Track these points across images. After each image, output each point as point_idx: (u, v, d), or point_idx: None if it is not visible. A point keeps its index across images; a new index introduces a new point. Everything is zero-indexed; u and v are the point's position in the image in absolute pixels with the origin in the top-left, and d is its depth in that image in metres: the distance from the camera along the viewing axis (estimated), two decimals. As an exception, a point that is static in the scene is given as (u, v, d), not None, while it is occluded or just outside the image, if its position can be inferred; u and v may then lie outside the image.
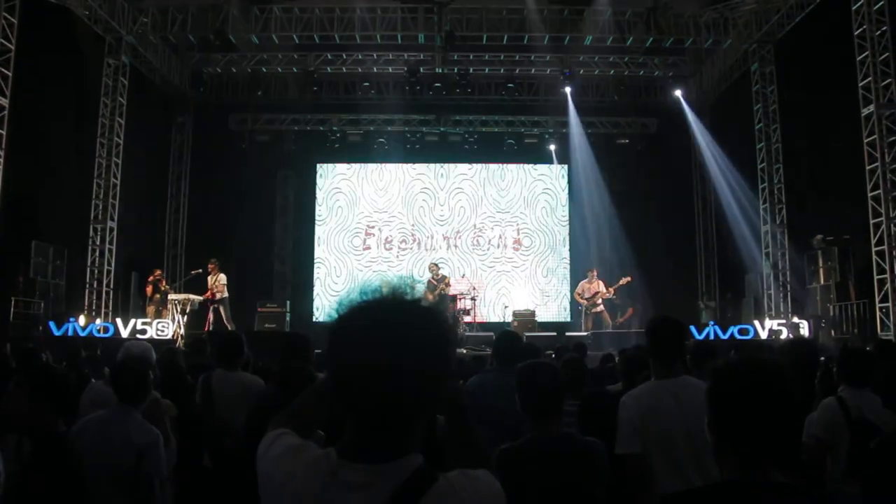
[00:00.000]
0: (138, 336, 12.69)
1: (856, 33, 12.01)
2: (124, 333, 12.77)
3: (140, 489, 3.68)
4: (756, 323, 13.68)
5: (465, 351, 12.47)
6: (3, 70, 11.66)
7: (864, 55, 11.89)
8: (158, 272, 15.39)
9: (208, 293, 14.57)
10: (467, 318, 15.79)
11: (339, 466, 1.45)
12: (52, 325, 12.61)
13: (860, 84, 11.97)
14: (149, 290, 14.96)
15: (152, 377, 4.10)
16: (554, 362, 3.76)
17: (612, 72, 18.04)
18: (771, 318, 14.75)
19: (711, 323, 14.09)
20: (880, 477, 3.17)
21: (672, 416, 3.27)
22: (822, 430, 4.00)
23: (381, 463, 1.43)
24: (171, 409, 4.56)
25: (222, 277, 14.69)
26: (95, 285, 15.31)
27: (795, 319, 13.65)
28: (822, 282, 14.17)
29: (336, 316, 1.50)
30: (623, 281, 15.07)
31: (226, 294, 14.72)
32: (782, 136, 15.86)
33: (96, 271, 15.35)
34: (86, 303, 15.03)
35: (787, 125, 15.74)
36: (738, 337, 12.90)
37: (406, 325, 1.43)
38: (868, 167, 11.90)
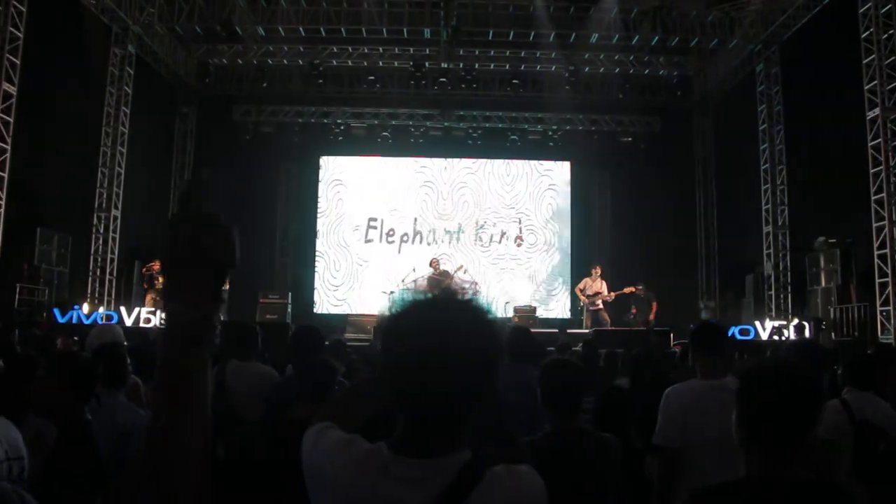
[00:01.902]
0: (143, 325, 12.75)
1: (862, 36, 12.03)
2: (128, 322, 12.81)
3: (126, 468, 3.71)
4: (757, 323, 13.72)
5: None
6: (11, 58, 11.67)
7: (870, 58, 11.91)
8: (157, 264, 15.12)
9: None
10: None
11: (392, 461, 1.48)
12: (56, 312, 12.65)
13: (866, 87, 11.99)
14: (145, 283, 14.89)
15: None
16: (577, 360, 3.82)
17: (617, 70, 18.05)
18: (771, 318, 14.80)
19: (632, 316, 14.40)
20: (890, 480, 3.22)
21: (712, 415, 3.34)
22: (826, 431, 4.05)
23: (432, 458, 1.47)
24: None
25: None
26: (99, 273, 15.37)
27: (796, 321, 13.69)
28: (823, 284, 14.22)
29: (390, 313, 1.54)
30: (627, 290, 15.06)
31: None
32: (786, 138, 15.90)
33: (100, 259, 15.42)
34: (89, 290, 15.09)
35: (791, 127, 15.78)
36: (739, 337, 12.95)
37: (459, 322, 1.48)
38: (872, 170, 11.92)
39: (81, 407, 3.30)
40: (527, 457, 1.85)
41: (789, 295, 15.76)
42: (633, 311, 15.45)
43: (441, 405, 1.46)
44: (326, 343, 6.24)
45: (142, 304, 14.15)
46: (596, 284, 15.27)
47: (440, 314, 1.50)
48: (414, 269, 17.17)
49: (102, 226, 15.45)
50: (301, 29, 16.18)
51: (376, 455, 1.51)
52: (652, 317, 15.01)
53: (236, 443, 4.45)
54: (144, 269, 15.05)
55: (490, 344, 1.50)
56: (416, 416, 1.50)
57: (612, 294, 15.13)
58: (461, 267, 16.21)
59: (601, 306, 15.11)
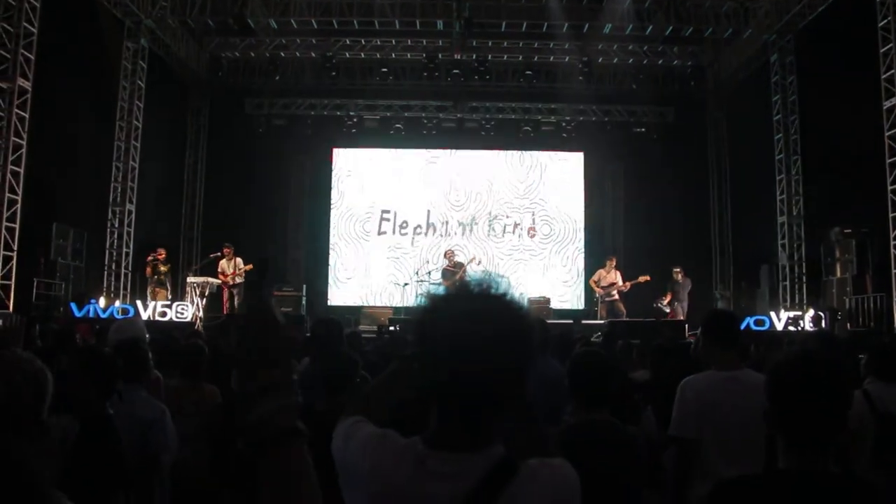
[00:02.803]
0: (158, 319, 12.82)
1: (879, 25, 11.91)
2: (144, 315, 12.88)
3: (145, 460, 3.75)
4: (772, 314, 13.67)
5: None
6: (25, 53, 11.72)
7: (887, 47, 11.80)
8: (162, 252, 14.93)
9: (228, 275, 14.57)
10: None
11: (427, 455, 1.49)
12: (73, 306, 12.74)
13: (883, 76, 11.89)
14: (148, 270, 14.72)
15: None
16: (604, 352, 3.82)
17: (630, 60, 17.99)
18: (786, 309, 14.73)
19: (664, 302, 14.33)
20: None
21: (730, 406, 3.33)
22: (850, 422, 4.01)
23: (468, 452, 1.48)
24: (216, 395, 4.62)
25: (241, 262, 14.69)
26: (114, 267, 15.47)
27: (812, 311, 13.61)
28: (838, 274, 14.15)
29: (424, 307, 1.55)
30: (641, 279, 15.02)
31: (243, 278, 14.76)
32: (801, 128, 15.79)
33: (115, 253, 15.51)
34: (105, 284, 15.18)
35: (806, 116, 15.66)
36: (754, 328, 12.89)
37: (494, 316, 1.48)
38: (888, 160, 11.83)
39: (103, 402, 3.32)
40: (556, 450, 1.85)
41: (804, 285, 15.66)
42: (668, 297, 15.37)
43: (476, 397, 1.47)
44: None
45: (153, 298, 14.17)
46: (610, 276, 15.25)
47: (476, 306, 1.50)
48: (427, 262, 17.19)
49: (117, 220, 15.53)
50: (313, 21, 16.20)
51: (412, 449, 1.52)
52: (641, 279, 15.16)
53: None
54: (149, 257, 14.78)
55: (524, 336, 1.51)
56: (451, 409, 1.50)
57: (628, 284, 15.09)
58: (474, 258, 16.20)
59: (617, 297, 15.08)
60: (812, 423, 1.85)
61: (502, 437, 1.53)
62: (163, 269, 14.69)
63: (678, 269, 15.38)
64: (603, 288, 15.19)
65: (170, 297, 14.70)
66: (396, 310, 16.37)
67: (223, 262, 14.73)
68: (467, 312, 1.49)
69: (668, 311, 15.29)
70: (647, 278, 15.04)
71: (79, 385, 3.28)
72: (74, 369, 3.43)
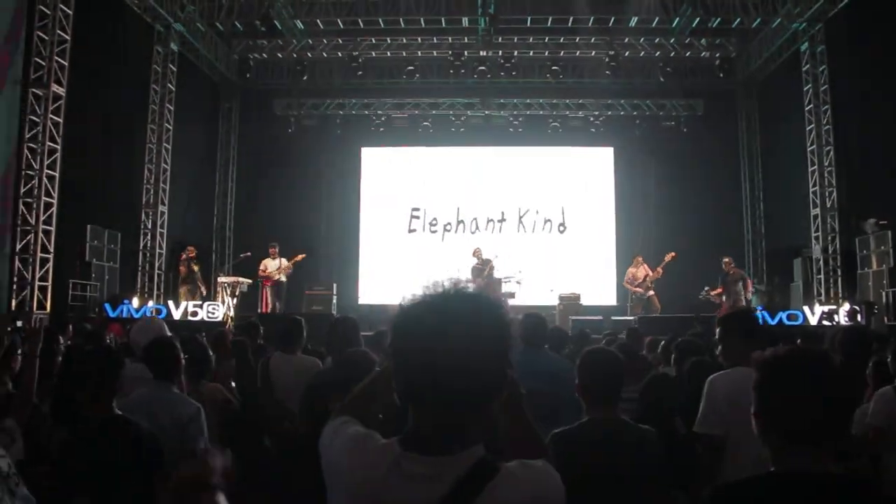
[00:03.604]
0: (190, 318, 12.99)
1: (912, 12, 11.71)
2: (176, 315, 13.07)
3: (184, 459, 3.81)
4: (805, 308, 13.47)
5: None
6: (59, 60, 11.93)
7: (920, 34, 11.58)
8: (192, 250, 15.02)
9: (270, 272, 14.78)
10: (513, 302, 15.85)
11: (403, 457, 1.48)
12: (107, 306, 12.95)
13: (916, 64, 11.68)
14: (182, 269, 14.83)
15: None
16: (615, 350, 3.81)
17: (657, 53, 17.85)
18: (821, 303, 14.51)
19: (760, 308, 13.80)
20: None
21: None
22: (880, 419, 3.95)
23: (443, 454, 1.47)
24: (217, 392, 4.67)
25: (284, 261, 14.92)
26: (147, 268, 15.71)
27: (847, 305, 13.36)
28: (874, 267, 13.89)
29: (398, 310, 1.55)
30: (668, 257, 14.77)
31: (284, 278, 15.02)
32: (833, 118, 15.52)
33: (148, 254, 15.75)
34: (138, 285, 15.42)
35: (838, 106, 15.38)
36: (787, 323, 12.71)
37: (467, 316, 1.48)
38: (923, 149, 11.62)
39: (109, 402, 3.35)
40: (547, 451, 1.84)
41: (839, 278, 15.38)
42: (720, 289, 14.16)
43: (450, 398, 1.45)
44: (371, 333, 6.30)
45: (188, 298, 14.36)
46: (640, 271, 15.13)
47: (447, 307, 1.50)
48: (458, 271, 17.15)
49: (150, 221, 15.78)
50: (339, 21, 16.28)
51: (389, 451, 1.51)
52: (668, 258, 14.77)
53: (282, 434, 4.54)
54: (182, 256, 14.89)
55: (497, 335, 1.50)
56: (425, 411, 1.50)
57: (659, 270, 14.87)
58: (497, 256, 16.14)
59: (653, 293, 14.93)
60: (806, 423, 1.79)
61: (484, 439, 1.52)
62: (195, 267, 14.84)
63: (727, 259, 14.29)
64: (639, 285, 15.04)
65: (204, 293, 14.85)
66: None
67: (267, 261, 14.94)
68: (436, 314, 1.49)
69: (718, 302, 14.19)
70: (673, 255, 14.79)
71: (95, 391, 3.33)
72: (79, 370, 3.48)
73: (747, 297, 14.14)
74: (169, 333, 4.84)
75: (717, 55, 18.00)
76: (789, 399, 1.82)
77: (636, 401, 4.53)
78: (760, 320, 12.20)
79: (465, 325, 1.46)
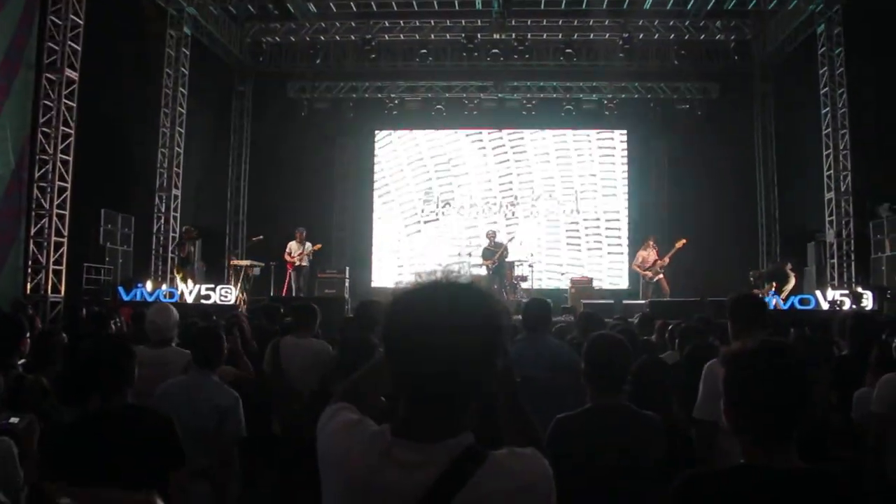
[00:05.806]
0: (202, 301, 13.08)
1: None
2: (189, 299, 13.16)
3: (222, 449, 3.86)
4: (818, 293, 13.39)
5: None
6: (72, 45, 11.97)
7: (937, 17, 11.42)
8: (191, 231, 14.87)
9: (295, 256, 15.07)
10: (524, 285, 15.90)
11: (393, 444, 1.50)
12: (121, 290, 13.06)
13: (933, 47, 11.52)
14: (184, 249, 14.65)
15: None
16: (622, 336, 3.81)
17: (672, 35, 17.68)
18: (834, 288, 14.42)
19: (772, 293, 13.76)
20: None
21: None
22: (884, 406, 3.94)
23: (433, 442, 1.49)
24: (228, 375, 4.69)
25: (309, 245, 15.11)
26: (161, 252, 15.81)
27: (859, 290, 13.27)
28: (888, 251, 13.79)
29: (390, 298, 1.57)
30: (679, 244, 14.75)
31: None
32: (849, 101, 15.33)
33: (161, 238, 15.84)
34: (152, 269, 15.54)
35: (855, 90, 15.20)
36: (799, 307, 12.66)
37: (457, 305, 1.49)
38: (939, 133, 11.48)
39: (121, 391, 3.35)
40: (541, 441, 1.86)
41: (853, 263, 15.26)
42: (774, 285, 14.20)
43: (437, 387, 1.48)
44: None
45: (201, 281, 14.44)
46: (651, 255, 15.07)
47: (438, 295, 1.51)
48: (470, 255, 17.21)
49: (164, 205, 15.86)
50: (352, 4, 16.23)
51: (379, 438, 1.53)
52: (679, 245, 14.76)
53: (290, 418, 4.59)
54: (187, 235, 14.75)
55: (488, 323, 1.50)
56: (414, 398, 1.52)
57: (667, 258, 14.85)
58: (512, 238, 16.13)
59: (662, 276, 14.90)
60: (769, 418, 1.82)
61: (483, 424, 1.55)
62: (192, 248, 14.80)
63: (789, 265, 14.46)
64: (648, 269, 15.01)
65: (195, 275, 14.84)
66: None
67: (293, 244, 15.14)
68: (426, 303, 1.51)
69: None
70: (684, 241, 14.75)
71: (106, 378, 3.34)
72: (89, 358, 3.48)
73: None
74: (177, 318, 4.89)
75: (733, 38, 17.81)
76: (750, 396, 1.85)
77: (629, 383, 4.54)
78: (771, 306, 12.22)
79: (453, 313, 1.47)
